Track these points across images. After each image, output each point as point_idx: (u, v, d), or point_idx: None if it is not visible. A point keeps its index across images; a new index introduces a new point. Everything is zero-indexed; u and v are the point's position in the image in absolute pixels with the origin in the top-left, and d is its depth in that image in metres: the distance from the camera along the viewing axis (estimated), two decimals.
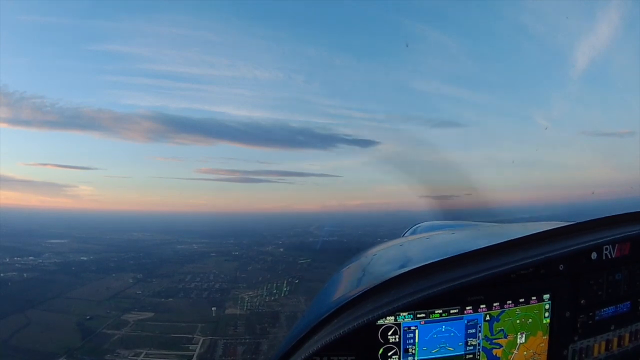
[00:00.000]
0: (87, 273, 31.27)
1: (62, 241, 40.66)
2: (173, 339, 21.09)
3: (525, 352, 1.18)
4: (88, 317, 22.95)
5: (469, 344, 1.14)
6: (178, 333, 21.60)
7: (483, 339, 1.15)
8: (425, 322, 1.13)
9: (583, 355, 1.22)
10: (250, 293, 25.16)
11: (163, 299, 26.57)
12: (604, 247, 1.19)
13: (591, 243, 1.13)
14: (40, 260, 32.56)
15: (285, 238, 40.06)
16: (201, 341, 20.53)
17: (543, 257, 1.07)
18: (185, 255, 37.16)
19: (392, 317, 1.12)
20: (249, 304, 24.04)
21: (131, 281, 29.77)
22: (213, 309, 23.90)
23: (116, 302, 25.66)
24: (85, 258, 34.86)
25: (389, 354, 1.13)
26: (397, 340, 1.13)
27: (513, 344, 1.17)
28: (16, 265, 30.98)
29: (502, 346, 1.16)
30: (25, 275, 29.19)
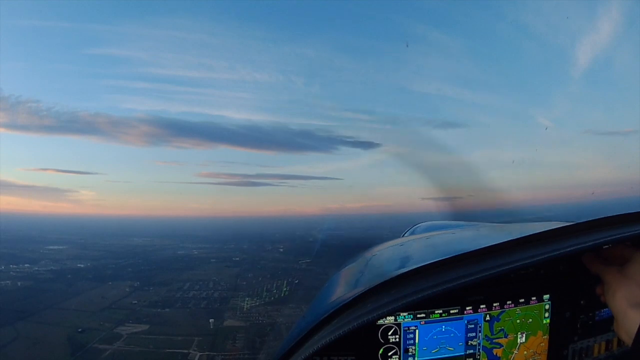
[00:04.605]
0: (83, 281, 30.81)
1: (61, 247, 40.25)
2: (167, 354, 20.29)
3: (525, 352, 1.17)
4: (79, 330, 22.22)
5: (469, 344, 1.14)
6: (173, 348, 20.82)
7: (483, 338, 1.15)
8: (426, 322, 1.12)
9: (583, 355, 1.22)
10: (250, 302, 24.65)
11: (159, 310, 26.04)
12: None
13: (591, 243, 1.13)
14: (36, 268, 32.15)
15: (287, 242, 39.69)
16: (197, 357, 19.79)
17: (543, 257, 1.06)
18: (184, 262, 36.75)
19: (392, 317, 1.11)
20: (249, 314, 23.52)
21: (127, 290, 29.31)
22: (211, 320, 23.31)
23: (110, 313, 25.10)
24: (82, 265, 34.46)
25: (389, 354, 1.12)
26: (397, 340, 1.12)
27: (513, 343, 1.16)
28: (11, 273, 30.55)
29: (503, 346, 1.16)
30: (19, 284, 28.72)
